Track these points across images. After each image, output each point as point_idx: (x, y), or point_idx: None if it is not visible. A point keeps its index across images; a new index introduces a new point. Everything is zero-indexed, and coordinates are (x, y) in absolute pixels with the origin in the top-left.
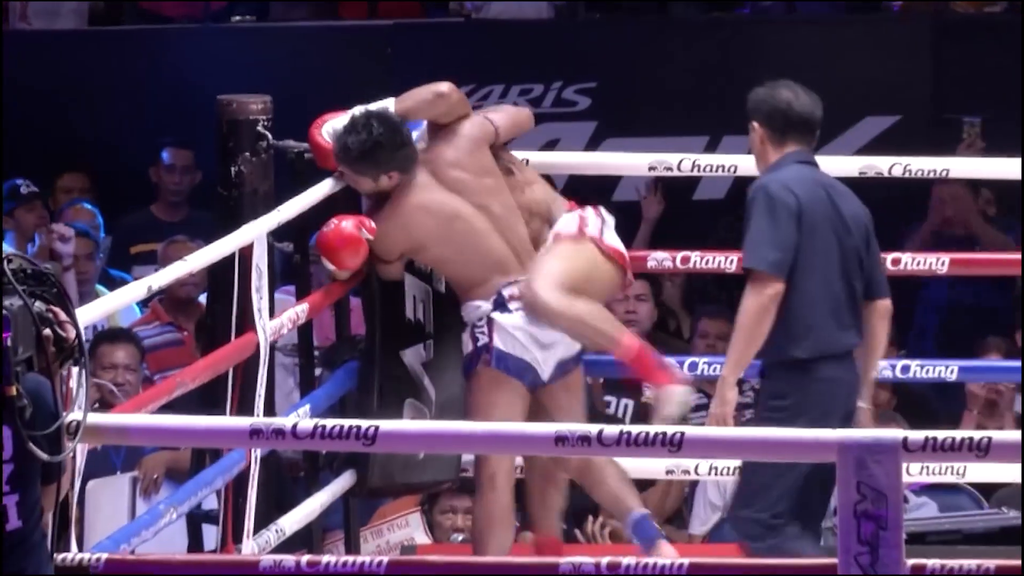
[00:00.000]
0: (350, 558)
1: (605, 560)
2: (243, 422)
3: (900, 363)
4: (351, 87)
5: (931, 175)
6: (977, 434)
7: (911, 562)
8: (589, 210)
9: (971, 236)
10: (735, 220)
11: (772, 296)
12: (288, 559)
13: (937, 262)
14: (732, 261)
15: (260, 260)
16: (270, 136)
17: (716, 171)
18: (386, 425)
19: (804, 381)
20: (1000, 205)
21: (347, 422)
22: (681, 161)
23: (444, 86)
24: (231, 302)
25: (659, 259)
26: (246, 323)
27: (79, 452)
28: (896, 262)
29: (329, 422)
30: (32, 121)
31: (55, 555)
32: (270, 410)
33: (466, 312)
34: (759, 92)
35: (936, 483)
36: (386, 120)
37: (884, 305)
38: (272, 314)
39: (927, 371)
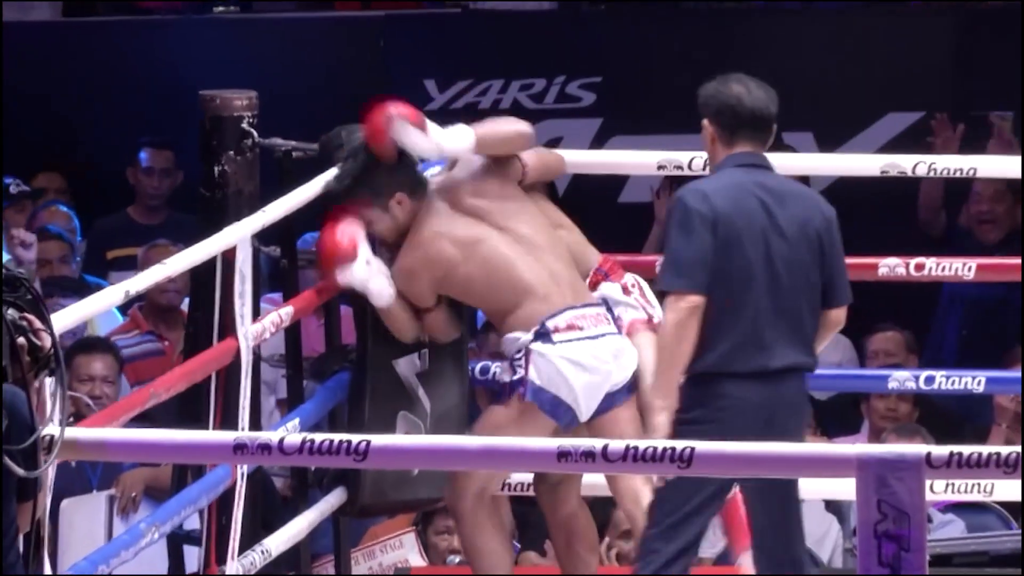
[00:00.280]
0: None
1: None
2: (227, 436)
3: (924, 373)
4: (341, 82)
5: (957, 174)
6: (1005, 449)
7: None
8: (637, 282)
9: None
10: None
11: (689, 310)
12: None
13: (964, 267)
14: None
15: (244, 264)
16: (256, 134)
17: None
18: (378, 439)
19: (705, 397)
20: None
21: (337, 436)
22: (692, 159)
23: (526, 126)
24: (214, 309)
25: None
26: (227, 331)
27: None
28: (920, 267)
29: (318, 436)
30: (2, 118)
31: None
32: (255, 423)
33: (505, 347)
34: (708, 87)
35: (962, 501)
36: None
37: (836, 315)
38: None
39: (952, 382)
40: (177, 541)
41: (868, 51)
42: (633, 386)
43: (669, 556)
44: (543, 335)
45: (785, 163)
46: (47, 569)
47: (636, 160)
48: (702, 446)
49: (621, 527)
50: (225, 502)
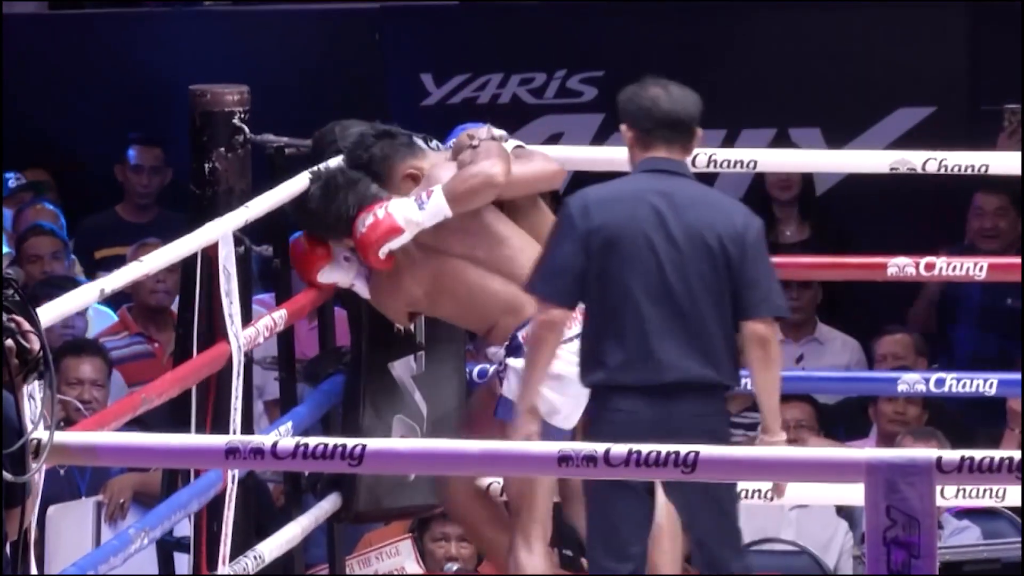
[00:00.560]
0: None
1: None
2: (219, 440)
3: (934, 376)
4: (335, 76)
5: (969, 171)
6: (1017, 454)
7: None
8: None
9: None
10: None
11: (546, 324)
12: None
13: (975, 267)
14: None
15: (227, 261)
16: (247, 129)
17: (735, 167)
18: (374, 444)
19: (600, 410)
20: None
21: (331, 440)
22: (696, 156)
23: (551, 165)
24: (202, 309)
25: None
26: (216, 332)
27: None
28: (930, 267)
29: (312, 440)
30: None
31: None
32: (248, 427)
33: (492, 360)
34: (627, 90)
35: (973, 507)
36: (336, 174)
37: (752, 329)
38: (247, 323)
39: (964, 385)
40: (167, 548)
41: (877, 44)
42: None
43: (610, 568)
44: (516, 349)
45: (791, 160)
46: (34, 571)
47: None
48: (706, 450)
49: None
50: (216, 507)
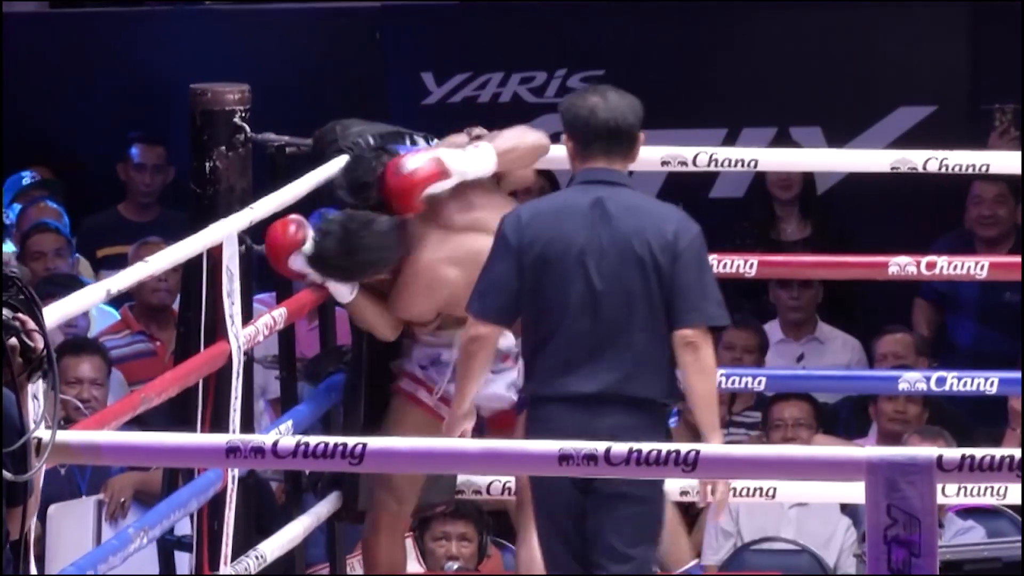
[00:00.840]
0: None
1: None
2: (219, 439)
3: (935, 375)
4: (335, 75)
5: (970, 170)
6: (1017, 452)
7: None
8: None
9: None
10: (750, 226)
11: (475, 339)
12: None
13: (976, 266)
14: (752, 265)
15: (231, 262)
16: (248, 128)
17: (735, 166)
18: (375, 442)
19: (533, 420)
20: None
21: (332, 439)
22: (697, 155)
23: (542, 137)
24: (204, 309)
25: None
26: (218, 331)
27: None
28: (931, 266)
29: (313, 439)
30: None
31: None
32: (248, 426)
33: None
34: (566, 99)
35: (976, 506)
36: (349, 219)
37: (680, 336)
38: (248, 322)
39: (964, 383)
40: (168, 547)
41: (878, 44)
42: None
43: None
44: None
45: (792, 159)
46: (34, 570)
47: (640, 155)
48: (708, 449)
49: None
50: (217, 506)
